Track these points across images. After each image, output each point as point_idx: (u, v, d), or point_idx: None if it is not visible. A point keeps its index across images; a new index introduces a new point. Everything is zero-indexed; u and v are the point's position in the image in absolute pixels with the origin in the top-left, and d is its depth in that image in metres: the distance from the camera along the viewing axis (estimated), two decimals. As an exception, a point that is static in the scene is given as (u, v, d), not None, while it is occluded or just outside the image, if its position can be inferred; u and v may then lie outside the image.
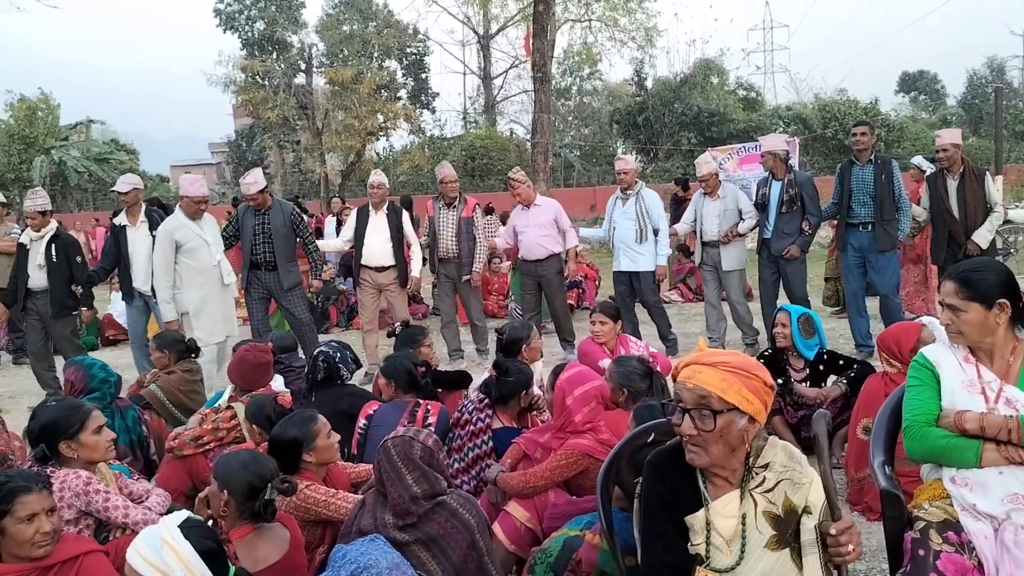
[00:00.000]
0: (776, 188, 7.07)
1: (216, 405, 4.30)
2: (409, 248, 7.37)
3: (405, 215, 7.53)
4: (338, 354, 4.56)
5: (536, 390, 4.21)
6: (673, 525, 2.04)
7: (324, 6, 31.16)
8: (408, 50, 31.99)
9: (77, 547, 2.54)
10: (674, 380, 2.10)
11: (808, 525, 1.99)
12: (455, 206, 7.46)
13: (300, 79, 29.26)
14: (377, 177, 7.50)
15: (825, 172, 22.51)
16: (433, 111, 34.48)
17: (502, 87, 35.49)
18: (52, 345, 7.13)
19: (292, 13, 30.14)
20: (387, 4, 31.44)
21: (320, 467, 3.18)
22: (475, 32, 33.11)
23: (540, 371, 4.85)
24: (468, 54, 35.88)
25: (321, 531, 3.14)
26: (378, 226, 7.28)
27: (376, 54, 29.94)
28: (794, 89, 36.61)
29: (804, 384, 4.75)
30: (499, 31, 32.22)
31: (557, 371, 3.65)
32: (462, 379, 4.79)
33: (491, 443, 3.84)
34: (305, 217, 8.64)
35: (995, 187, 6.68)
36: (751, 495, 2.01)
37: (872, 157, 6.82)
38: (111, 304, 10.47)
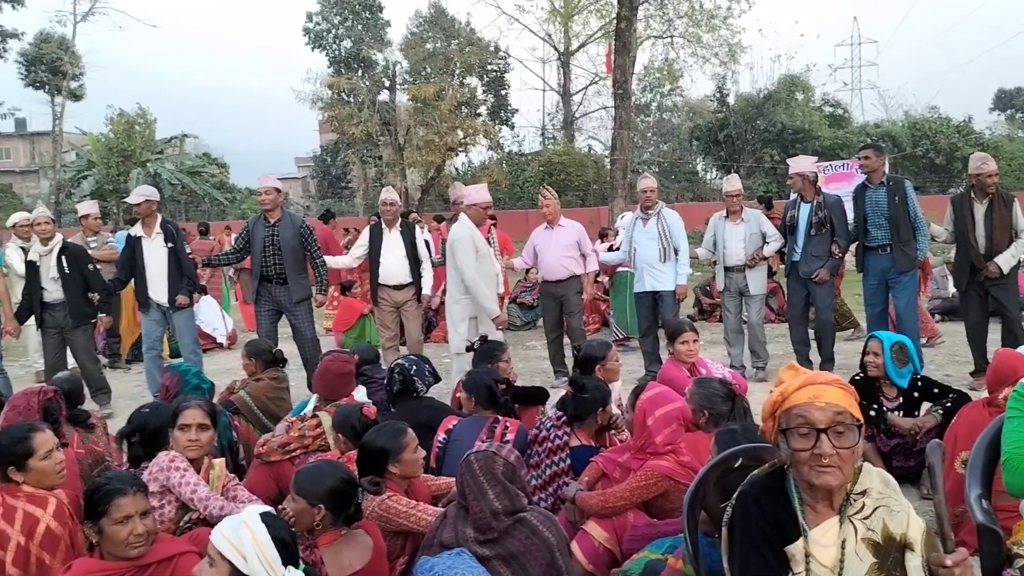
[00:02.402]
0: (805, 211, 6.94)
1: (302, 413, 4.41)
2: (421, 265, 7.31)
3: (419, 231, 7.48)
4: (414, 367, 4.62)
5: (614, 409, 4.19)
6: (773, 556, 2.01)
7: (408, 25, 31.95)
8: (489, 67, 32.45)
9: (173, 547, 2.65)
10: (777, 408, 2.06)
11: (915, 563, 1.94)
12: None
13: (384, 96, 29.97)
14: (389, 195, 7.40)
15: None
16: (512, 127, 34.89)
17: (581, 103, 35.63)
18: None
19: (378, 32, 30.97)
20: (469, 22, 32.06)
21: (403, 480, 3.23)
22: (555, 49, 33.31)
23: (619, 390, 4.82)
24: (548, 71, 36.17)
25: (402, 541, 3.18)
26: (394, 244, 7.21)
27: (458, 71, 30.43)
28: (883, 106, 35.46)
29: (897, 413, 4.57)
30: (579, 48, 32.35)
31: (637, 391, 3.62)
32: (540, 395, 4.79)
33: (569, 461, 3.84)
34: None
35: (1021, 214, 6.42)
36: (850, 521, 1.98)
37: (885, 179, 6.72)
38: (197, 313, 10.76)
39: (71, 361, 7.20)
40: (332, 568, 2.53)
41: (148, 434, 3.75)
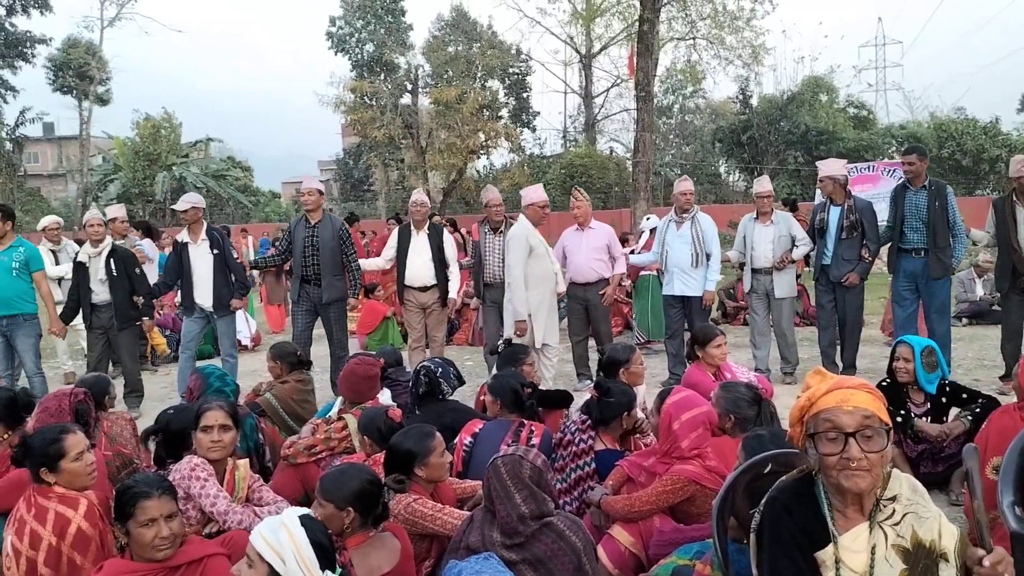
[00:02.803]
0: (835, 214, 6.89)
1: (327, 416, 4.44)
2: (448, 268, 7.34)
3: (446, 234, 7.51)
4: (440, 369, 4.64)
5: (639, 413, 4.17)
6: (804, 561, 2.00)
7: (431, 28, 32.09)
8: (510, 70, 32.50)
9: (203, 549, 2.67)
10: (804, 412, 2.05)
11: (949, 574, 1.93)
12: (502, 231, 7.22)
13: (406, 99, 30.11)
14: (419, 196, 7.47)
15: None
16: (533, 130, 34.93)
17: (603, 106, 35.58)
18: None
19: (400, 35, 31.13)
20: (491, 25, 32.16)
21: (429, 483, 3.24)
22: (577, 52, 33.28)
23: (643, 394, 4.80)
24: (569, 73, 36.11)
25: (428, 544, 3.19)
26: (421, 246, 7.27)
27: (479, 74, 30.52)
28: (908, 107, 35.04)
29: (925, 418, 4.52)
30: (601, 50, 32.28)
31: (663, 395, 3.61)
32: (564, 398, 4.78)
33: (594, 465, 3.83)
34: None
35: None
36: (880, 527, 1.98)
37: (927, 183, 6.63)
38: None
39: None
40: (361, 570, 2.55)
41: (170, 435, 3.80)
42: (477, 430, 4.05)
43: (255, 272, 11.75)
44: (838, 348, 7.15)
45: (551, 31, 31.68)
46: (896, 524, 1.98)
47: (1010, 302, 6.50)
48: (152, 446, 3.98)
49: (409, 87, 30.76)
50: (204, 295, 7.00)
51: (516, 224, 6.65)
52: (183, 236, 7.12)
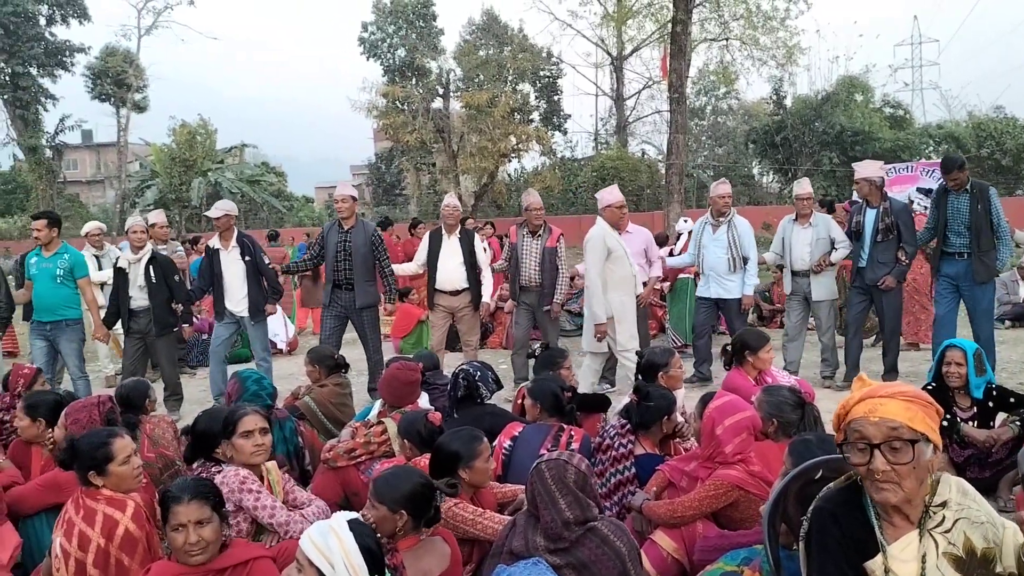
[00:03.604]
0: (871, 216, 6.78)
1: (366, 419, 4.46)
2: (480, 272, 7.34)
3: (477, 238, 7.49)
4: (478, 373, 4.64)
5: (679, 417, 4.14)
6: (852, 571, 1.96)
7: (462, 32, 32.19)
8: (541, 73, 32.49)
9: (247, 552, 2.69)
10: (840, 421, 2.02)
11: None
12: (540, 235, 7.27)
13: (437, 103, 30.19)
14: (452, 199, 7.47)
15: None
16: (565, 132, 34.87)
17: (634, 108, 35.41)
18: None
19: (432, 40, 31.29)
20: (522, 29, 32.14)
21: (471, 487, 3.24)
22: (608, 54, 33.18)
23: (682, 398, 4.76)
24: (601, 75, 36.06)
25: (468, 549, 3.19)
26: (452, 250, 7.27)
27: (510, 78, 30.53)
28: (945, 107, 34.37)
29: (971, 423, 4.43)
30: (633, 52, 32.14)
31: (706, 399, 3.58)
32: (602, 402, 4.77)
33: (634, 469, 3.80)
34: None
35: None
36: (930, 535, 1.93)
37: (969, 186, 6.51)
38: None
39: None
40: (412, 572, 2.55)
41: (197, 435, 3.82)
42: (517, 434, 4.04)
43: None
44: (865, 354, 7.05)
45: (582, 33, 31.51)
46: (947, 531, 1.92)
47: None
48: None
49: (440, 91, 30.87)
50: (235, 301, 7.09)
51: (594, 227, 6.61)
52: (215, 242, 7.21)
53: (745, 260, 7.17)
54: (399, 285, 10.12)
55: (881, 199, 6.79)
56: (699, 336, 7.47)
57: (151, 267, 7.03)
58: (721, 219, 7.27)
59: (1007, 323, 9.80)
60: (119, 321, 7.25)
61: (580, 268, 8.21)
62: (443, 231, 7.39)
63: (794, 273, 7.24)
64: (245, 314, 7.12)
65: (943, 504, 1.95)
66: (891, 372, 6.87)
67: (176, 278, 7.19)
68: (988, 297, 6.61)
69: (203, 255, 7.63)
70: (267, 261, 7.32)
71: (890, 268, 6.72)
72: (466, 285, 7.28)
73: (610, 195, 6.74)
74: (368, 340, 7.13)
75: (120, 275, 7.16)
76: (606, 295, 6.41)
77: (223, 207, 7.22)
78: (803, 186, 7.35)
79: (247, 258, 7.08)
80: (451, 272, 7.27)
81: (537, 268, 7.19)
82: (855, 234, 6.91)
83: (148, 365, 7.83)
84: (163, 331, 7.09)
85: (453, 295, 7.30)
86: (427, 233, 7.71)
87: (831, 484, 2.12)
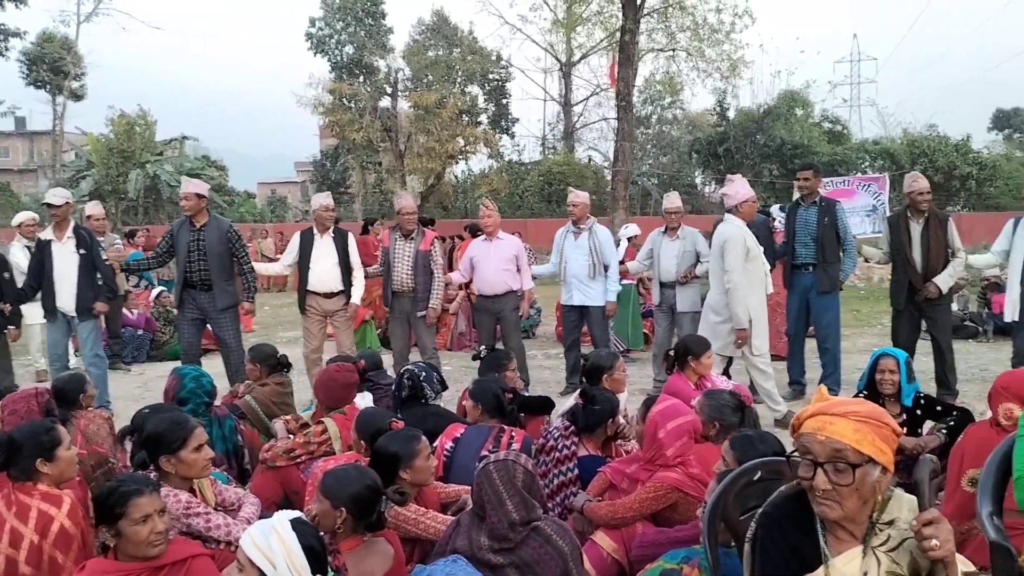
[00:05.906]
0: None
1: (298, 417, 4.39)
2: (352, 273, 6.99)
3: (351, 238, 7.15)
4: (423, 373, 4.62)
5: (621, 419, 4.20)
6: None
7: (411, 32, 32.14)
8: (490, 76, 32.59)
9: (187, 550, 2.64)
10: (794, 432, 2.02)
11: None
12: (413, 238, 6.94)
13: (385, 102, 30.03)
14: (326, 199, 7.07)
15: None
16: (512, 136, 35.06)
17: (582, 114, 35.75)
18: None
19: (380, 38, 31.12)
20: (472, 31, 32.22)
21: (413, 487, 3.23)
22: (557, 60, 33.44)
23: (624, 401, 4.83)
24: (549, 81, 36.27)
25: (410, 548, 3.18)
26: (325, 250, 6.90)
27: (459, 79, 30.55)
28: (882, 123, 35.64)
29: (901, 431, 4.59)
30: (582, 59, 32.48)
31: (648, 403, 3.64)
32: (545, 405, 4.80)
33: (576, 471, 3.85)
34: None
35: (956, 233, 6.54)
36: (874, 553, 1.91)
37: (817, 199, 6.84)
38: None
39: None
40: (355, 574, 2.53)
41: (149, 440, 3.69)
42: (458, 435, 4.04)
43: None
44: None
45: (532, 38, 31.77)
46: (892, 551, 1.90)
47: (902, 318, 6.64)
48: (128, 445, 3.91)
49: (388, 90, 30.68)
50: (66, 298, 6.58)
51: (728, 225, 6.11)
52: (47, 234, 6.67)
53: (606, 267, 7.23)
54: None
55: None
56: (570, 349, 7.46)
57: None
58: (580, 227, 7.32)
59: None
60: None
61: (455, 276, 7.89)
62: (314, 231, 6.98)
63: (662, 284, 7.42)
64: (72, 312, 6.59)
65: (891, 523, 1.93)
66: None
67: (6, 275, 6.60)
68: (834, 308, 6.90)
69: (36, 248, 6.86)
70: (104, 258, 6.83)
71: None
72: (341, 287, 6.92)
73: (743, 189, 6.21)
74: (229, 344, 6.57)
75: None
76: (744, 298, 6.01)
77: (62, 194, 6.70)
78: (672, 200, 7.50)
79: (82, 251, 6.57)
80: (324, 273, 6.89)
81: (410, 272, 6.89)
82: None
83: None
84: None
85: (327, 297, 6.91)
86: (297, 233, 7.27)
87: (781, 488, 2.12)
